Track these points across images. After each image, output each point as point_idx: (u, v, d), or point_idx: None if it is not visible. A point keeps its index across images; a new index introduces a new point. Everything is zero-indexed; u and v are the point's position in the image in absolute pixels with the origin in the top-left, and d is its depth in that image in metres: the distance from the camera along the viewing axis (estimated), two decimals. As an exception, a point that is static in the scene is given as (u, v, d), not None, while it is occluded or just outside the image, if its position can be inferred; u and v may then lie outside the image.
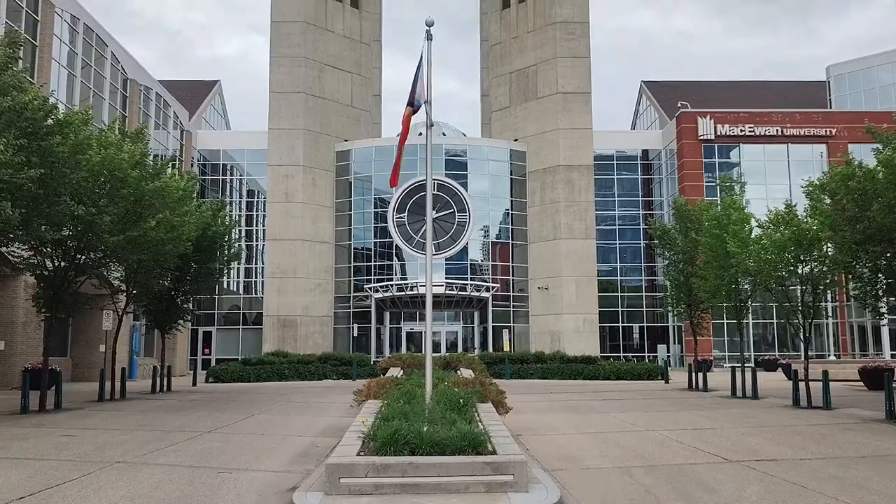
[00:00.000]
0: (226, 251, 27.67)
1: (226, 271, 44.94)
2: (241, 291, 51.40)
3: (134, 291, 23.73)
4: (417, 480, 8.19)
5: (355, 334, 45.69)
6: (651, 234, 27.60)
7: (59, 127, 15.73)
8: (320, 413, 18.73)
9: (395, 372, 18.93)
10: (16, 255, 18.60)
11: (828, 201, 18.04)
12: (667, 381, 31.68)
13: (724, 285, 23.41)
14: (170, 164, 21.76)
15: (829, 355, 42.43)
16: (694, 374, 27.27)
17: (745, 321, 30.28)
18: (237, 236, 45.02)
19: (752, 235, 21.12)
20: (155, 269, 23.11)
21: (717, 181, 24.42)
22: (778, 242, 18.61)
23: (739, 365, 24.64)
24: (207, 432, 14.45)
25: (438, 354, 29.89)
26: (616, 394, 25.28)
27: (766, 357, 42.82)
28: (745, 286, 23.30)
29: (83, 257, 18.83)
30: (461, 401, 12.07)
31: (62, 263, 18.60)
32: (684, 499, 8.54)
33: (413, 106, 12.23)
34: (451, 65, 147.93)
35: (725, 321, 43.34)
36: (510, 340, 41.21)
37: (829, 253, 18.60)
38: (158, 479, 9.59)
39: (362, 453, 8.94)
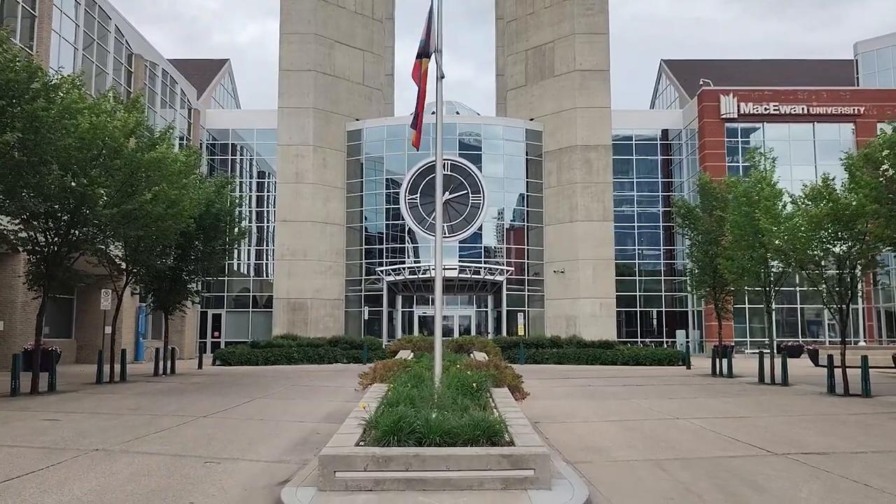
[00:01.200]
0: (231, 229, 26.64)
1: (234, 252, 44.16)
2: (251, 274, 50.53)
3: (134, 270, 22.77)
4: (424, 475, 7.13)
5: (367, 318, 44.70)
6: (674, 212, 26.33)
7: (45, 90, 14.69)
8: (326, 397, 17.73)
9: (404, 354, 17.91)
10: (4, 228, 17.63)
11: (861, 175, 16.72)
12: (688, 367, 30.48)
13: (752, 266, 22.14)
14: (167, 134, 20.56)
15: (857, 341, 40.95)
16: (718, 360, 26.05)
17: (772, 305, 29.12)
18: (244, 215, 44.07)
19: (786, 212, 19.80)
20: (156, 247, 22.14)
21: (746, 155, 23.05)
22: (815, 219, 17.31)
23: (767, 351, 23.39)
24: (202, 417, 13.48)
25: (451, 338, 28.91)
26: (636, 379, 24.14)
27: (790, 343, 41.40)
28: (775, 267, 22.02)
29: (77, 232, 17.84)
30: (474, 385, 11.01)
31: (54, 238, 17.64)
32: (732, 499, 7.42)
33: (426, 56, 11.09)
34: (466, 52, 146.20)
35: (747, 306, 42.05)
36: (525, 324, 40.12)
37: (870, 229, 17.27)
38: (135, 469, 8.58)
39: (362, 443, 7.89)
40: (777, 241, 18.40)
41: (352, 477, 7.09)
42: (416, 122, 11.51)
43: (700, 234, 25.74)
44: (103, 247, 20.06)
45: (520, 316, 41.84)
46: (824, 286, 18.95)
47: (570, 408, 15.51)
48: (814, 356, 30.97)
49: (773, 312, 43.69)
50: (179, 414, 13.86)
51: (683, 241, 44.54)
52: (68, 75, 16.65)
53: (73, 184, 16.18)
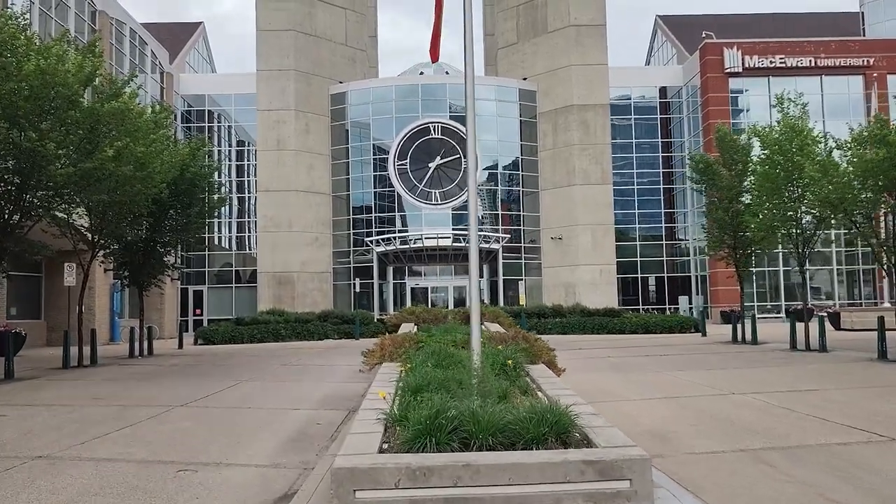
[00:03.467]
0: (209, 196, 24.33)
1: (215, 225, 41.80)
2: (233, 248, 48.18)
3: (102, 241, 20.48)
4: (479, 492, 5.09)
5: (358, 290, 42.56)
6: (691, 167, 24.38)
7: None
8: (321, 378, 15.72)
9: (408, 328, 15.87)
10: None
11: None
12: (703, 334, 28.75)
13: (784, 222, 20.26)
14: (130, 82, 18.14)
15: (880, 302, 39.35)
16: (740, 326, 24.26)
17: (774, 267, 27.40)
18: (224, 183, 41.58)
19: (830, 158, 17.85)
20: (126, 216, 19.83)
21: (776, 100, 21.05)
22: (870, 164, 15.34)
23: (779, 315, 21.58)
24: (179, 406, 11.40)
25: (456, 308, 26.97)
26: (654, 349, 22.32)
27: (798, 306, 39.84)
28: (808, 223, 20.12)
29: (29, 196, 15.54)
30: (510, 362, 9.00)
31: (3, 204, 15.33)
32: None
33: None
34: (449, 20, 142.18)
35: (755, 269, 40.31)
36: (525, 293, 38.26)
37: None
38: (83, 485, 6.51)
39: (386, 446, 5.84)
40: (825, 191, 16.43)
41: (379, 498, 5.05)
42: (433, 41, 9.30)
43: (719, 191, 23.76)
44: (64, 215, 17.78)
45: (520, 285, 39.94)
46: (875, 240, 17.05)
47: (601, 383, 13.58)
48: (835, 320, 29.29)
49: (777, 276, 42.35)
50: (151, 403, 11.76)
51: (694, 200, 42.81)
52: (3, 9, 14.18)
53: (20, 139, 13.85)
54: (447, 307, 39.56)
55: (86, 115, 15.35)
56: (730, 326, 34.68)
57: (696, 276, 45.13)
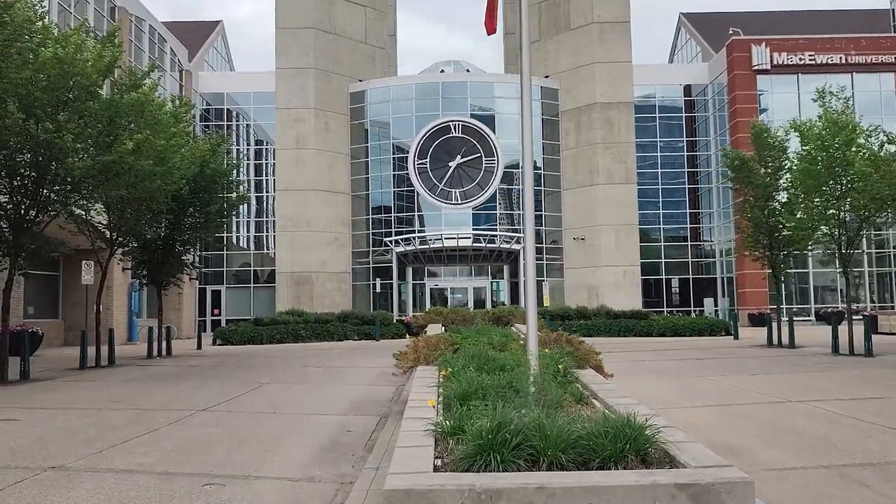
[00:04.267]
0: (229, 193, 23.76)
1: (233, 224, 41.33)
2: (251, 248, 47.68)
3: (120, 239, 19.96)
4: (554, 519, 4.40)
5: (378, 290, 41.90)
6: (725, 165, 23.53)
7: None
8: (346, 381, 15.08)
9: (435, 329, 15.20)
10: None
11: None
12: (735, 337, 27.86)
13: (823, 220, 19.42)
14: (150, 72, 17.57)
15: None
16: (776, 329, 23.39)
17: (803, 269, 26.52)
18: (243, 181, 41.04)
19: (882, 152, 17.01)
20: (145, 213, 19.30)
21: (816, 94, 20.22)
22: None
23: (807, 318, 20.71)
24: (200, 410, 10.78)
25: (483, 309, 26.35)
26: (689, 352, 21.51)
27: (829, 309, 38.83)
28: (852, 221, 19.24)
29: (46, 191, 15.00)
30: (560, 367, 8.29)
31: (19, 199, 14.80)
32: None
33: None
34: (465, 23, 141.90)
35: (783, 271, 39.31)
36: (549, 295, 37.47)
37: None
38: (99, 502, 5.87)
39: (440, 463, 5.16)
40: (876, 187, 15.58)
41: (439, 525, 4.37)
42: (488, 12, 8.58)
43: (755, 189, 22.90)
44: (82, 211, 17.26)
45: (543, 286, 39.03)
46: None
47: (645, 389, 12.81)
48: (871, 323, 28.24)
49: (807, 278, 41.27)
50: (171, 407, 11.15)
51: (721, 200, 41.81)
52: (23, -3, 13.65)
53: (37, 130, 13.30)
54: (466, 308, 38.91)
55: (104, 107, 14.81)
56: (760, 329, 33.93)
57: (723, 278, 44.12)
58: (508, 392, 6.53)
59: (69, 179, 14.75)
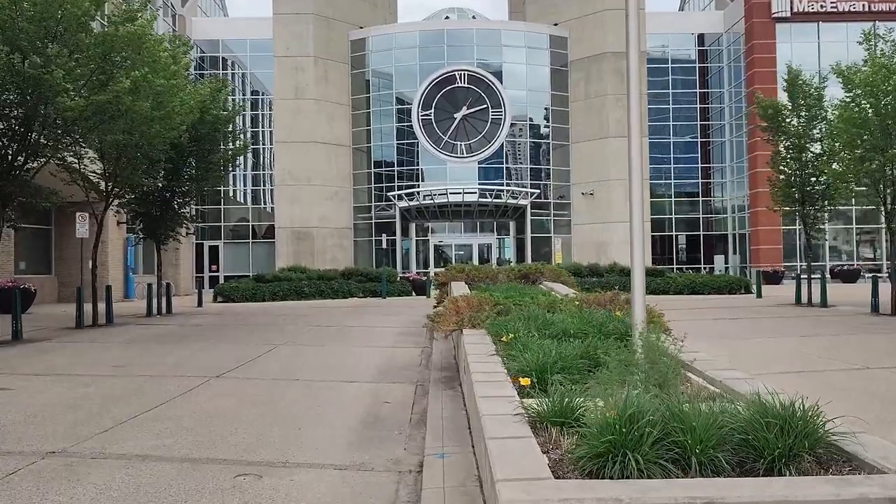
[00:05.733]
0: (232, 141, 22.37)
1: (230, 177, 39.86)
2: (248, 202, 46.31)
3: (116, 190, 18.62)
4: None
5: (384, 246, 40.63)
6: (758, 114, 22.22)
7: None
8: (364, 343, 13.95)
9: (460, 287, 14.05)
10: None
11: None
12: (759, 296, 26.84)
13: (865, 173, 18.25)
14: (146, 6, 15.98)
15: None
16: (805, 287, 22.35)
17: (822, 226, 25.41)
18: (242, 126, 39.47)
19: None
20: (141, 160, 17.93)
21: (862, 36, 18.88)
22: None
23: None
24: (214, 377, 9.64)
25: (508, 265, 25.19)
26: (717, 311, 20.51)
27: (844, 267, 37.91)
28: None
29: (34, 134, 13.63)
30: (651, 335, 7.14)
31: (4, 142, 13.44)
32: None
33: None
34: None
35: (797, 227, 38.27)
36: (560, 251, 36.35)
37: None
38: (111, 500, 4.73)
39: (561, 463, 4.02)
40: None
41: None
42: None
43: (790, 139, 21.62)
44: (74, 159, 15.91)
45: (555, 242, 38.03)
46: None
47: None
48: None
49: (822, 235, 40.17)
50: (182, 373, 10.00)
51: (734, 154, 40.37)
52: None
53: (23, 65, 11.90)
54: (471, 263, 37.74)
55: (98, 42, 13.36)
56: (775, 287, 33.04)
57: (734, 235, 43.05)
58: (614, 366, 5.38)
59: (60, 122, 13.39)
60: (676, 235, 44.44)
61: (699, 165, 44.11)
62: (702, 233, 43.84)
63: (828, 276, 38.65)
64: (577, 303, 9.42)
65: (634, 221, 5.49)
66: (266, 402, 8.08)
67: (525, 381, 4.93)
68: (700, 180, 44.17)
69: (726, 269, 42.20)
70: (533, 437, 4.33)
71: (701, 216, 43.98)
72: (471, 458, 5.47)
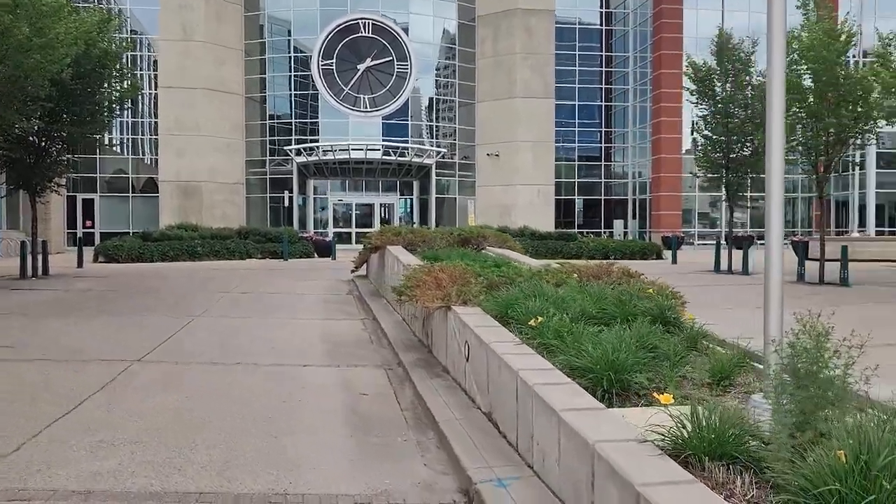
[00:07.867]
0: (120, 80, 19.65)
1: (115, 113, 36.21)
2: (127, 153, 42.41)
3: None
4: None
5: (286, 204, 38.18)
6: (688, 76, 21.77)
7: None
8: (290, 314, 12.26)
9: (397, 252, 12.61)
10: None
11: None
12: (674, 262, 26.87)
13: (798, 140, 18.13)
14: None
15: (847, 231, 38.90)
16: (725, 254, 22.38)
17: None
18: (128, 65, 35.73)
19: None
20: (16, 96, 15.18)
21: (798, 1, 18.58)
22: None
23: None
24: (136, 361, 7.84)
25: (446, 228, 23.94)
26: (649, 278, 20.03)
27: (739, 234, 39.07)
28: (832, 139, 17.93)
29: None
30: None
31: None
32: None
33: None
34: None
35: (697, 194, 39.09)
36: (474, 213, 35.28)
37: None
38: None
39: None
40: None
41: None
42: None
43: (717, 104, 21.33)
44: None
45: (469, 204, 36.87)
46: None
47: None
48: (800, 249, 28.04)
49: (719, 204, 41.33)
50: (91, 357, 8.10)
51: (637, 119, 40.57)
52: None
53: None
54: (371, 226, 36.22)
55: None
56: (682, 252, 33.42)
57: (634, 200, 43.51)
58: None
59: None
60: (578, 199, 44.49)
61: (602, 130, 44.15)
62: (603, 197, 44.08)
63: (723, 242, 39.99)
64: (576, 275, 8.24)
65: (774, 193, 4.23)
66: (218, 396, 6.46)
67: (666, 399, 3.62)
68: (602, 145, 44.25)
69: (625, 233, 42.70)
70: (699, 482, 3.08)
71: (603, 181, 44.16)
72: (538, 484, 4.18)
